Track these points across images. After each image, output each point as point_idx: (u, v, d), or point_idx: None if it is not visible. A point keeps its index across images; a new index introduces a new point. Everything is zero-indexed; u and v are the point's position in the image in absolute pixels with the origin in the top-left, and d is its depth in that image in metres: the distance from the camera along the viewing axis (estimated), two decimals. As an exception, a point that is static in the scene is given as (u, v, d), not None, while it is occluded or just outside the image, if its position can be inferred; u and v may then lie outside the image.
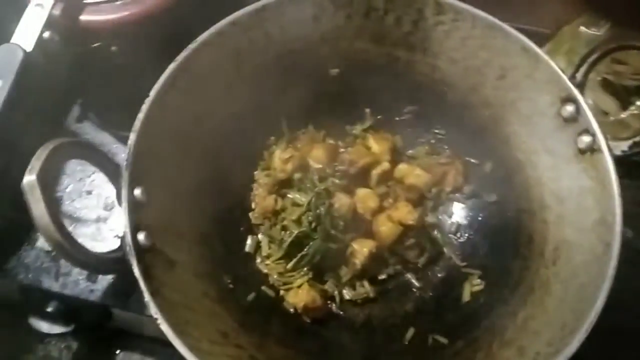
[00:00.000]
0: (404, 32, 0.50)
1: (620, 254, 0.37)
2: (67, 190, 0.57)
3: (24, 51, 0.43)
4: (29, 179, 0.31)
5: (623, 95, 0.62)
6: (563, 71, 0.44)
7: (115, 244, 0.56)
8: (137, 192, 0.39)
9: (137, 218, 0.38)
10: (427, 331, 0.45)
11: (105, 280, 0.54)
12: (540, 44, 0.66)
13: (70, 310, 0.55)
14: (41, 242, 0.57)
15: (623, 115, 0.59)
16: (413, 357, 0.43)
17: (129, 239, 0.37)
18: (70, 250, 0.32)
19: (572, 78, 0.43)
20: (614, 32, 0.58)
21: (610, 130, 0.59)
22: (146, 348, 0.58)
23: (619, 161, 0.40)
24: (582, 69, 0.43)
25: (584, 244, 0.40)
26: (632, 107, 0.59)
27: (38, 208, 0.31)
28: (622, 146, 0.40)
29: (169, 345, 0.58)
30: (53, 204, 0.33)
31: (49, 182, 0.33)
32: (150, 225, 0.39)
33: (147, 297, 0.35)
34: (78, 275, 0.55)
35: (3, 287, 0.57)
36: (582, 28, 0.66)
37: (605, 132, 0.40)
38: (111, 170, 0.40)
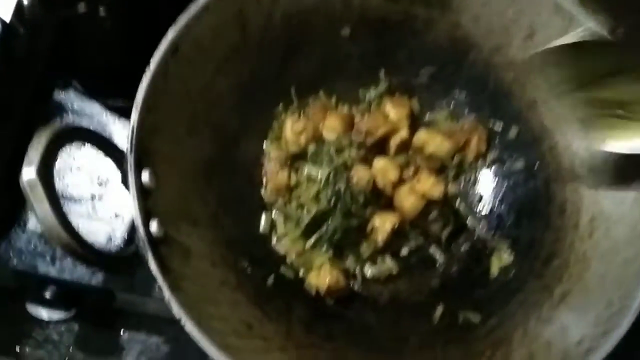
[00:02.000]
0: (423, -14, 0.46)
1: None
2: (56, 167, 0.53)
3: (2, 22, 0.38)
4: (29, 175, 0.27)
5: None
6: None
7: (113, 223, 0.53)
8: (145, 176, 0.36)
9: (148, 205, 0.35)
10: (457, 308, 0.43)
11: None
12: None
13: (70, 295, 0.52)
14: (33, 224, 0.53)
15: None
16: (444, 337, 0.42)
17: (141, 230, 0.33)
18: (80, 251, 0.29)
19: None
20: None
21: None
22: (151, 326, 0.56)
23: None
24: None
25: (625, 218, 0.38)
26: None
27: (42, 208, 0.27)
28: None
29: (174, 322, 0.56)
30: (56, 200, 0.29)
31: (50, 175, 0.29)
32: (161, 212, 0.36)
33: (167, 294, 0.32)
34: (76, 258, 0.52)
35: (-4, 273, 0.53)
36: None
37: None
38: (114, 154, 0.36)
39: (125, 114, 0.56)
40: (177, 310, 0.32)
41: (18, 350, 0.56)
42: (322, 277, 0.43)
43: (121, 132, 0.56)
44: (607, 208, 0.40)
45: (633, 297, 0.33)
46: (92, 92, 0.56)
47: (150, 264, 0.33)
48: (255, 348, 0.35)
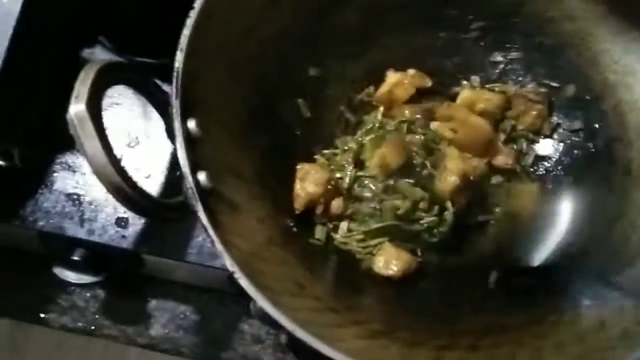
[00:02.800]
0: None
1: None
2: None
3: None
4: (78, 108, 0.25)
5: None
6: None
7: (144, 184, 0.51)
8: (191, 124, 0.33)
9: (195, 155, 0.32)
10: (512, 273, 0.41)
11: (137, 225, 0.49)
12: None
13: (99, 258, 0.50)
14: (60, 184, 0.51)
15: None
16: (500, 302, 0.39)
17: (189, 180, 0.31)
18: (132, 194, 0.27)
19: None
20: None
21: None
22: (180, 295, 0.54)
23: None
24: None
25: None
26: None
27: (92, 146, 0.25)
28: None
29: (205, 291, 0.54)
30: (106, 138, 0.26)
31: (99, 111, 0.26)
32: (208, 164, 0.33)
33: (219, 247, 0.30)
34: (105, 220, 0.50)
35: (21, 237, 0.51)
36: None
37: None
38: (159, 100, 0.33)
39: (155, 72, 0.54)
40: (230, 265, 0.29)
41: (42, 316, 0.55)
42: (392, 264, 0.40)
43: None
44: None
45: None
46: (120, 48, 0.53)
47: (200, 216, 0.30)
48: (309, 307, 0.33)
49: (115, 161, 0.26)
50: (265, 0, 0.41)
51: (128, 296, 0.55)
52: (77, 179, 0.51)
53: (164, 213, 0.31)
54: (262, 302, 0.29)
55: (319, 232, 0.42)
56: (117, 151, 0.50)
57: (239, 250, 0.31)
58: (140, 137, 0.51)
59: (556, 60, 0.45)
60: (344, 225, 0.42)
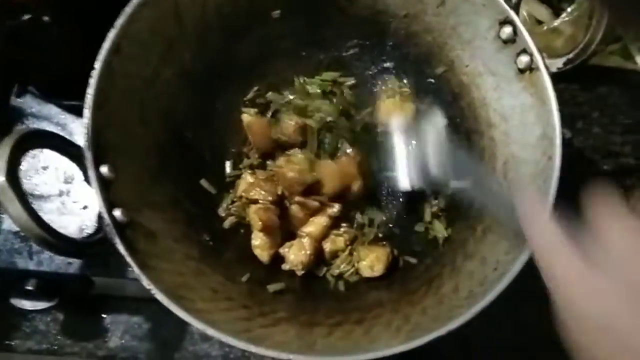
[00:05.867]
0: (343, -34, 0.50)
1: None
2: (23, 168, 0.56)
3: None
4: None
5: (554, 1, 0.65)
6: (498, -7, 0.45)
7: (83, 215, 0.56)
8: (104, 169, 0.39)
9: (110, 196, 0.39)
10: (399, 254, 0.49)
11: (80, 252, 0.55)
12: None
13: (51, 285, 0.56)
14: (7, 224, 0.56)
15: (556, 23, 0.62)
16: (388, 279, 0.48)
17: (107, 218, 0.37)
18: (54, 242, 0.33)
19: (507, 0, 0.45)
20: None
21: (544, 39, 0.63)
22: (131, 308, 0.60)
23: (555, 76, 0.43)
24: (517, -10, 0.45)
25: (530, 158, 0.44)
26: (564, 14, 0.62)
27: (14, 208, 0.31)
28: (557, 63, 0.42)
29: (153, 301, 0.60)
30: (26, 200, 0.33)
31: (17, 178, 0.33)
32: (123, 201, 0.40)
33: (137, 271, 0.36)
34: (52, 251, 0.56)
35: (-23, 274, 0.57)
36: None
37: (539, 43, 0.43)
38: (73, 153, 0.39)
39: (80, 112, 0.59)
40: (146, 283, 0.36)
41: (8, 343, 0.60)
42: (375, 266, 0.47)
43: (79, 129, 0.59)
44: (516, 151, 0.46)
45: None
46: (48, 94, 0.58)
47: (118, 247, 0.37)
48: (221, 308, 0.40)
49: (35, 217, 0.32)
50: (164, 46, 0.47)
51: (85, 315, 0.61)
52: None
53: (87, 250, 0.37)
54: (177, 311, 0.36)
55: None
56: (56, 187, 0.58)
57: (156, 271, 0.38)
58: (75, 174, 0.57)
59: (422, 67, 0.53)
60: None
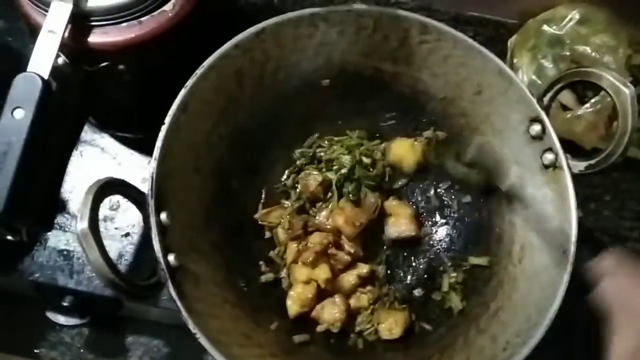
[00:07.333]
0: (391, 48, 0.54)
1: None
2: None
3: (42, 79, 0.45)
4: (83, 228, 0.35)
5: (579, 88, 0.69)
6: (531, 93, 0.50)
7: (124, 241, 0.61)
8: (163, 216, 0.44)
9: (166, 241, 0.43)
10: (415, 319, 0.53)
11: (117, 276, 0.59)
12: (508, 35, 0.74)
13: (85, 304, 0.60)
14: (53, 242, 0.61)
15: (580, 111, 0.67)
16: (404, 343, 0.51)
17: (161, 263, 0.41)
18: (120, 285, 0.37)
19: (539, 101, 0.49)
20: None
21: (567, 123, 0.67)
22: (152, 331, 0.64)
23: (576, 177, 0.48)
24: (549, 95, 0.49)
25: (545, 248, 0.48)
26: (587, 104, 0.67)
27: (92, 254, 0.35)
28: (580, 166, 0.46)
29: (174, 327, 0.64)
30: (103, 246, 0.37)
31: (97, 226, 0.37)
32: (176, 246, 0.44)
33: (184, 315, 0.40)
34: (91, 272, 0.60)
35: (19, 285, 0.61)
36: (545, 26, 0.72)
37: (561, 127, 0.46)
38: (136, 197, 0.44)
39: (132, 144, 0.64)
40: (193, 328, 0.40)
41: (35, 351, 0.64)
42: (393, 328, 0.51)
43: (129, 160, 0.64)
44: (533, 239, 0.50)
45: (545, 315, 0.43)
46: (104, 125, 0.64)
47: (170, 291, 0.41)
48: (254, 355, 0.44)
49: (109, 262, 0.37)
50: (224, 104, 0.52)
51: (108, 333, 0.65)
52: (67, 237, 0.61)
53: (143, 292, 0.41)
54: (216, 356, 0.39)
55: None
56: (101, 213, 0.62)
57: (198, 314, 0.42)
58: (121, 203, 0.62)
59: (453, 147, 0.58)
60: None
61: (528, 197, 0.51)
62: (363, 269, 0.53)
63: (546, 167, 0.49)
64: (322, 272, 0.51)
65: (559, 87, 0.48)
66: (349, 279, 0.53)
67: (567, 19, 0.71)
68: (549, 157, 0.49)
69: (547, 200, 0.49)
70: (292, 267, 0.53)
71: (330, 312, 0.51)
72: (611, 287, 0.48)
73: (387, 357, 0.50)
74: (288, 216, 0.55)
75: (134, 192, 0.42)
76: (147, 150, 0.51)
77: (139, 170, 0.63)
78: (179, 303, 0.40)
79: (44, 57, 0.46)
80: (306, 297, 0.51)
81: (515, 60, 0.73)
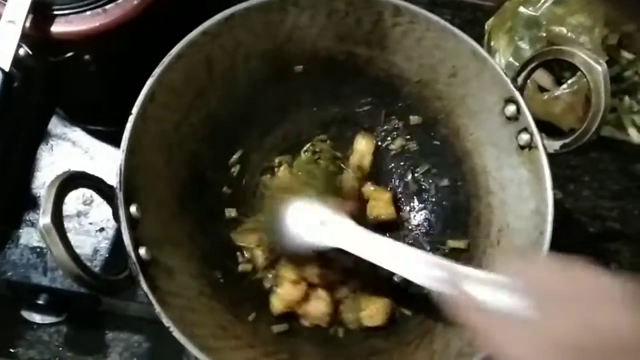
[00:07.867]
0: (364, 31, 0.54)
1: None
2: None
3: (2, 71, 0.44)
4: (45, 223, 0.34)
5: (557, 69, 0.69)
6: (505, 73, 0.49)
7: (98, 236, 0.59)
8: (133, 209, 0.43)
9: (136, 234, 0.42)
10: (397, 305, 0.52)
11: (93, 272, 0.58)
12: (486, 18, 0.73)
13: (61, 301, 0.59)
14: (25, 239, 0.59)
15: (557, 92, 0.67)
16: (385, 330, 0.51)
17: (132, 256, 0.40)
18: (87, 280, 0.36)
19: (514, 81, 0.49)
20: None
21: (544, 105, 0.67)
22: (133, 326, 0.63)
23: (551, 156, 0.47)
24: (523, 74, 0.49)
25: (522, 229, 0.48)
26: (564, 85, 0.67)
27: (57, 249, 0.34)
28: (555, 146, 0.46)
29: (154, 322, 0.63)
30: (68, 241, 0.36)
31: (61, 220, 0.36)
32: (148, 239, 0.43)
33: (157, 309, 0.39)
34: (65, 269, 0.58)
35: (-8, 284, 0.60)
36: (522, 8, 0.72)
37: (539, 108, 0.45)
38: (105, 191, 0.43)
39: (104, 137, 0.63)
40: (166, 322, 0.39)
41: (12, 351, 0.63)
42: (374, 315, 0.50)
43: (101, 154, 0.62)
44: (511, 221, 0.50)
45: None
46: (75, 118, 0.62)
47: (141, 285, 0.40)
48: (230, 347, 0.43)
49: (75, 257, 0.36)
50: (194, 94, 0.51)
51: (88, 329, 0.63)
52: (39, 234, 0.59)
53: (113, 286, 0.40)
54: (191, 349, 0.39)
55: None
56: (75, 208, 0.61)
57: (173, 308, 0.41)
58: (94, 197, 0.60)
59: (429, 130, 0.57)
60: None
61: (505, 179, 0.51)
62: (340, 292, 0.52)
63: (522, 147, 0.49)
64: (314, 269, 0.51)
65: (533, 66, 0.48)
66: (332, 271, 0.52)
67: (543, 0, 0.71)
68: (524, 137, 0.48)
69: (524, 182, 0.49)
70: (279, 264, 0.52)
71: (317, 307, 0.50)
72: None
73: (368, 344, 0.50)
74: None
75: (103, 185, 0.41)
76: (119, 143, 0.50)
77: (112, 163, 0.61)
78: (151, 296, 0.39)
79: (4, 48, 0.45)
80: (293, 299, 0.50)
81: (492, 43, 0.72)
